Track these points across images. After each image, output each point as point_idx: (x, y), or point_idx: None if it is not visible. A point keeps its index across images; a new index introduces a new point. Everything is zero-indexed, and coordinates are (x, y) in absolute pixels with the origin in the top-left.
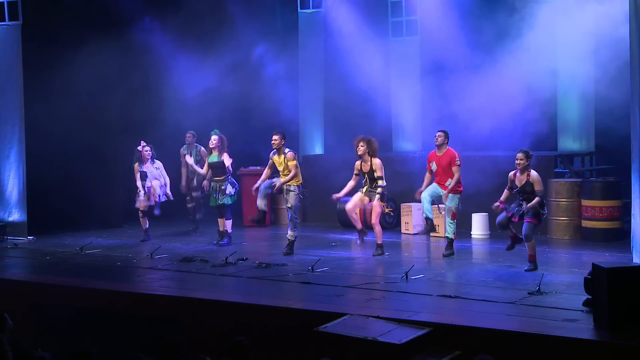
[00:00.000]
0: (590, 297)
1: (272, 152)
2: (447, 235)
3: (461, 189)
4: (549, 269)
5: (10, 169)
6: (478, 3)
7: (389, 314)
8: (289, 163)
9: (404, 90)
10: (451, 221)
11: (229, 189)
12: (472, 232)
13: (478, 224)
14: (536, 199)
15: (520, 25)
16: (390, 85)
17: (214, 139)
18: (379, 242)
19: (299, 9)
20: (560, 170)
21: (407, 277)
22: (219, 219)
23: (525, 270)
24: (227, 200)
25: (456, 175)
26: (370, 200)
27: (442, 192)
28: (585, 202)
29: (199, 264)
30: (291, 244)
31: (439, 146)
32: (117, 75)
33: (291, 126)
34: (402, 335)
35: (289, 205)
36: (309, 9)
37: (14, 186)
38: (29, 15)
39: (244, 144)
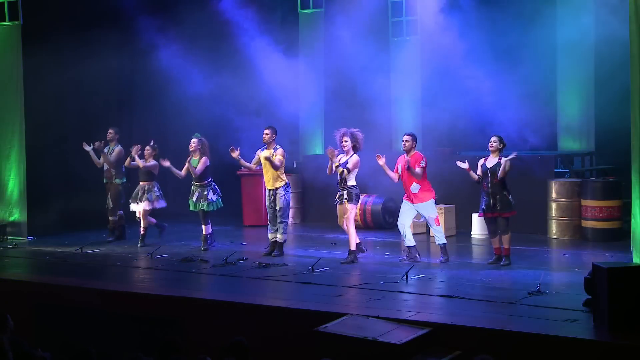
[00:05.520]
0: (590, 297)
1: (261, 147)
2: (438, 243)
3: (433, 193)
4: (549, 269)
5: (10, 169)
6: (478, 3)
7: (389, 314)
8: (276, 157)
9: (404, 90)
10: (437, 227)
11: (211, 195)
12: (472, 232)
13: (478, 224)
14: (506, 161)
15: (520, 24)
16: (391, 85)
17: (193, 141)
18: (351, 247)
19: (299, 8)
20: (560, 170)
21: (407, 277)
22: (203, 225)
23: (502, 265)
24: (208, 207)
25: (415, 174)
26: (341, 204)
27: (415, 206)
28: (585, 202)
29: (199, 264)
30: (280, 245)
31: (407, 151)
32: (117, 75)
33: (291, 126)
34: (402, 335)
35: (277, 208)
36: (309, 8)
37: (14, 186)
38: (29, 15)
39: (243, 144)
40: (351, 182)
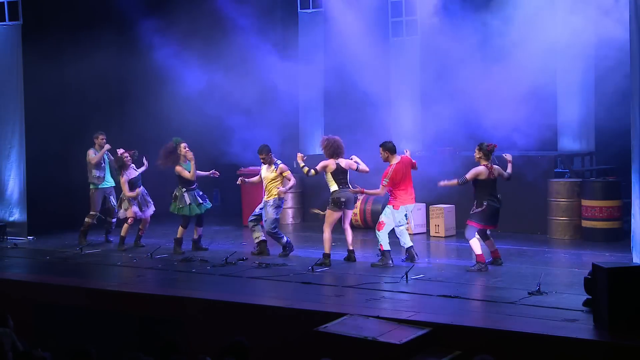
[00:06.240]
0: (590, 297)
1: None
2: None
3: (397, 201)
4: (549, 269)
5: (10, 169)
6: (478, 3)
7: (389, 314)
8: (285, 174)
9: (403, 90)
10: (377, 232)
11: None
12: None
13: None
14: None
15: (520, 25)
16: (390, 85)
17: (185, 146)
18: (326, 251)
19: (299, 9)
20: (560, 170)
21: (407, 277)
22: (196, 227)
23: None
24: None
25: (376, 191)
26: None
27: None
28: (585, 202)
29: (199, 264)
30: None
31: (385, 161)
32: (116, 75)
33: (291, 126)
34: (402, 335)
35: (265, 219)
36: (309, 9)
37: (14, 186)
38: (29, 15)
39: (243, 144)
40: (332, 187)
